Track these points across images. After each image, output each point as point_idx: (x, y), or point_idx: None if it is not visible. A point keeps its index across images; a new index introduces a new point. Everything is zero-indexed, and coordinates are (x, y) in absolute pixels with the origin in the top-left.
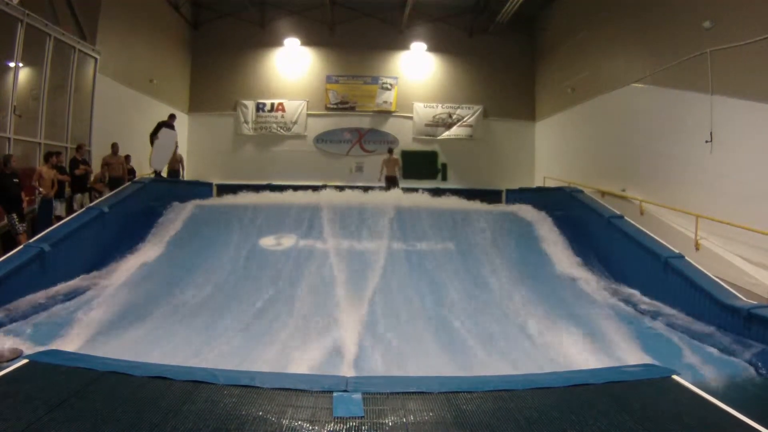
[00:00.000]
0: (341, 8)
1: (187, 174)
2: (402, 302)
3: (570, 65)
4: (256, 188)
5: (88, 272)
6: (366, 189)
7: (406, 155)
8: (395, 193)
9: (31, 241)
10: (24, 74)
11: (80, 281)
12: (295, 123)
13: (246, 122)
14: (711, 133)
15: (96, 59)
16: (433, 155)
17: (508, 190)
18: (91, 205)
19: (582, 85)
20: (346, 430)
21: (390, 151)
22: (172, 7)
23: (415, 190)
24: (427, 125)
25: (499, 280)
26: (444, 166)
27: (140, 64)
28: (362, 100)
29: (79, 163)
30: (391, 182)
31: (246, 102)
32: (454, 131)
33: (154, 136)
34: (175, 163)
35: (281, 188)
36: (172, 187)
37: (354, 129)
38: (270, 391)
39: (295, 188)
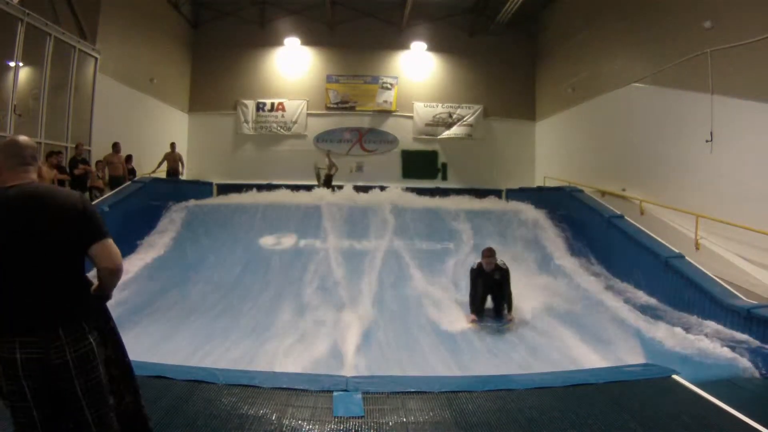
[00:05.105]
0: (341, 8)
1: (187, 173)
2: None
3: (570, 65)
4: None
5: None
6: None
7: (407, 155)
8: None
9: None
10: (24, 74)
11: None
12: (295, 122)
13: (246, 122)
14: (711, 133)
15: (96, 59)
16: (433, 155)
17: (508, 190)
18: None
19: (582, 85)
20: (346, 429)
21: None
22: (172, 6)
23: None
24: (427, 125)
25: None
26: (444, 165)
27: (140, 63)
28: (362, 99)
29: (78, 162)
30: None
31: (246, 101)
32: (455, 131)
33: None
34: (175, 162)
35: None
36: (173, 186)
37: (354, 129)
38: (270, 390)
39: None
